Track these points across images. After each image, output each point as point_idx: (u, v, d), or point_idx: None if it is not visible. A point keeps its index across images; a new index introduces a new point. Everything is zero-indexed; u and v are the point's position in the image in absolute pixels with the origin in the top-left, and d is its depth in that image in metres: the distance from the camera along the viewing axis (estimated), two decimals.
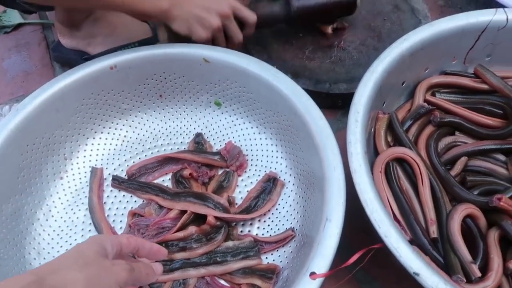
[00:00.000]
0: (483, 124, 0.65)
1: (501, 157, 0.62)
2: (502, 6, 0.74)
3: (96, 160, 0.70)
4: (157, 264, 0.45)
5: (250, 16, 0.70)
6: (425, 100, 0.67)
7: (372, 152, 0.64)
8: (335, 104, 0.75)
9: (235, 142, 0.71)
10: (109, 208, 0.65)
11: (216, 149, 0.71)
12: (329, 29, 0.79)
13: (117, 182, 0.67)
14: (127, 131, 0.73)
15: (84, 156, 0.70)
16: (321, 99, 0.73)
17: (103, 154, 0.71)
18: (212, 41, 0.69)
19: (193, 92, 0.73)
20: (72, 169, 0.68)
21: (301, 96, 0.61)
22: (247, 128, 0.72)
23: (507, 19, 0.64)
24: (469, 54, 0.69)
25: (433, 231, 0.55)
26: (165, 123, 0.74)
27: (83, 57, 0.78)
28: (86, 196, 0.66)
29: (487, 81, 0.67)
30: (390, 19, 0.82)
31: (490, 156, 0.63)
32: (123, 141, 0.72)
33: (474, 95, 0.68)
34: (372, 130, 0.64)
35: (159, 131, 0.74)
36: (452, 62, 0.70)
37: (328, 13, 0.78)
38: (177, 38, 0.70)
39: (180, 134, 0.73)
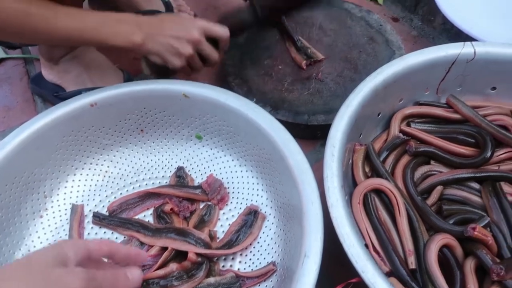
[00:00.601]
0: (457, 153, 0.67)
1: (475, 185, 0.64)
2: (471, 38, 0.77)
3: (77, 196, 0.70)
4: (134, 271, 0.42)
5: (223, 32, 0.71)
6: (401, 131, 0.69)
7: (351, 183, 0.65)
8: (314, 135, 0.76)
9: (216, 175, 0.71)
10: None
11: (198, 183, 0.71)
12: (303, 64, 0.82)
13: (98, 219, 0.66)
14: (108, 166, 0.73)
15: (65, 193, 0.69)
16: (300, 131, 0.76)
17: (84, 191, 0.70)
18: (189, 66, 0.71)
19: (174, 126, 0.74)
20: (52, 207, 0.68)
21: (279, 131, 0.62)
22: (228, 161, 0.72)
23: (474, 52, 0.66)
24: (441, 85, 0.71)
25: (411, 262, 0.55)
26: (147, 157, 0.75)
27: (54, 94, 0.79)
28: (66, 234, 0.65)
29: (459, 111, 0.69)
30: (365, 50, 0.85)
31: (465, 185, 0.64)
32: (104, 176, 0.72)
33: (447, 124, 0.70)
34: (350, 161, 0.65)
35: (140, 165, 0.74)
36: (425, 92, 0.72)
37: (294, 1, 0.80)
38: (156, 67, 0.71)
39: (162, 168, 0.74)
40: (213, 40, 0.71)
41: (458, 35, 0.81)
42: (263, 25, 0.81)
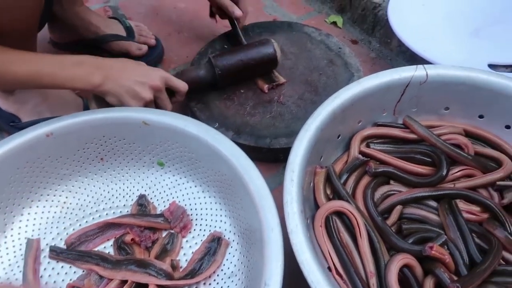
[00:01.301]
0: (415, 173, 0.68)
1: (433, 203, 0.65)
2: (425, 60, 0.80)
3: (33, 230, 0.67)
4: None
5: (182, 86, 0.75)
6: (360, 152, 0.71)
7: (313, 206, 0.65)
8: (276, 158, 0.77)
9: (179, 201, 0.70)
10: (46, 282, 0.62)
11: (160, 210, 0.70)
12: (265, 88, 0.83)
13: (55, 253, 0.64)
14: (67, 197, 0.71)
15: (19, 228, 0.66)
16: (262, 154, 0.76)
17: (40, 224, 0.68)
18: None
19: (135, 153, 0.72)
20: (5, 242, 0.65)
21: (240, 156, 0.62)
22: (190, 187, 0.72)
23: (427, 74, 0.69)
24: (397, 107, 0.73)
25: (373, 283, 0.56)
26: (107, 186, 0.73)
27: (11, 123, 0.77)
28: (20, 271, 0.62)
29: (415, 131, 0.71)
30: (325, 73, 0.87)
31: (423, 203, 0.66)
32: (62, 208, 0.70)
33: (405, 144, 0.72)
34: (312, 184, 0.66)
35: (101, 194, 0.72)
36: (383, 114, 0.74)
37: (252, 70, 0.82)
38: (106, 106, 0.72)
39: (123, 196, 0.72)
40: (170, 91, 0.75)
41: (413, 57, 0.84)
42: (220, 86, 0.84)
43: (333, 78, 0.86)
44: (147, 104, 0.70)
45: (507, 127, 0.70)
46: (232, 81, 0.83)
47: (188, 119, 0.67)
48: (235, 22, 0.90)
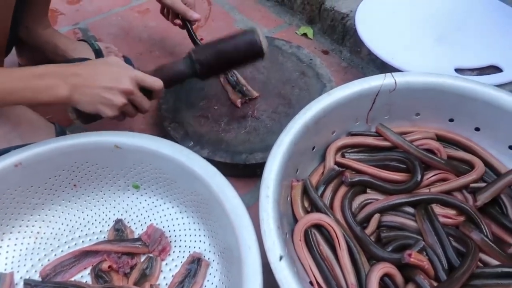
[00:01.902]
0: (390, 180, 0.69)
1: (410, 210, 0.66)
2: (394, 68, 0.81)
3: (6, 264, 0.65)
4: None
5: (155, 84, 0.70)
6: (336, 162, 0.71)
7: (292, 220, 0.65)
8: (253, 173, 0.76)
9: (157, 224, 0.69)
10: None
11: (138, 234, 0.69)
12: (238, 103, 0.83)
13: (30, 286, 0.62)
14: (40, 227, 0.69)
15: None
16: (239, 170, 0.76)
17: (13, 257, 0.66)
18: (122, 113, 0.68)
19: (109, 178, 0.71)
20: None
21: (214, 175, 0.61)
22: (168, 208, 0.71)
23: (395, 82, 0.70)
24: (369, 115, 0.74)
25: None
26: (82, 212, 0.71)
27: None
28: None
29: (388, 138, 0.72)
30: (298, 85, 0.87)
31: (401, 210, 0.66)
32: (36, 238, 0.68)
33: (379, 152, 0.73)
34: (289, 198, 0.66)
35: (76, 222, 0.70)
36: (356, 123, 0.75)
37: (234, 61, 0.76)
38: (85, 114, 0.68)
39: (99, 222, 0.71)
40: (146, 89, 0.70)
41: (383, 64, 0.86)
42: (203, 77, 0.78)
43: (305, 90, 0.86)
44: (122, 109, 0.66)
45: (477, 129, 0.71)
46: (214, 74, 0.79)
47: (161, 140, 0.67)
48: (190, 26, 0.89)
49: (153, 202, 0.72)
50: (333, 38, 1.04)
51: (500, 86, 0.78)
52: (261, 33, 0.72)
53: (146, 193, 0.72)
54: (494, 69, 0.81)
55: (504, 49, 0.84)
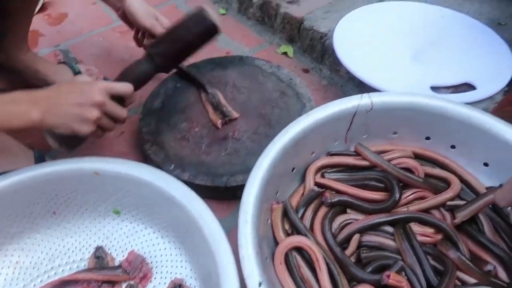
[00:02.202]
0: (369, 199, 0.70)
1: (390, 229, 0.67)
2: (371, 87, 0.83)
3: None
4: None
5: (126, 90, 0.70)
6: (315, 183, 0.71)
7: (273, 243, 0.65)
8: (235, 195, 0.76)
9: (138, 250, 0.69)
10: None
11: (119, 261, 0.68)
12: (219, 124, 0.83)
13: None
14: (19, 256, 0.68)
15: None
16: (220, 193, 0.76)
17: None
18: (100, 128, 0.68)
19: (89, 204, 0.71)
20: None
21: (193, 201, 0.61)
22: (149, 234, 0.70)
23: (371, 102, 0.71)
24: (348, 135, 0.75)
25: None
26: (62, 240, 0.70)
27: None
28: None
29: (366, 158, 0.73)
30: (278, 105, 0.88)
31: (380, 230, 0.67)
32: (15, 268, 0.67)
33: (358, 171, 0.74)
34: (269, 221, 0.66)
35: (56, 250, 0.70)
36: (335, 143, 0.75)
37: (191, 43, 0.76)
38: (65, 138, 0.69)
39: (80, 250, 0.70)
40: (118, 97, 0.70)
41: (361, 83, 0.87)
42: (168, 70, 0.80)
43: (285, 110, 0.87)
44: (98, 122, 0.66)
45: (452, 146, 0.73)
46: (177, 62, 0.80)
47: (141, 166, 0.67)
48: None
49: (134, 228, 0.71)
50: (313, 56, 1.06)
51: (474, 103, 0.80)
52: (209, 9, 0.72)
53: (127, 219, 0.72)
54: (468, 86, 0.83)
55: (477, 67, 0.86)
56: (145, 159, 0.83)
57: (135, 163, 0.67)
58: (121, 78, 0.74)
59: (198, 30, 0.73)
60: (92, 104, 0.65)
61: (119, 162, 0.67)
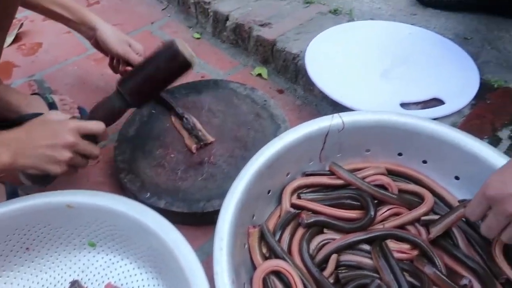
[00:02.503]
0: (346, 218, 0.70)
1: (367, 247, 0.67)
2: (344, 106, 0.84)
3: None
4: None
5: (97, 128, 0.70)
6: (292, 204, 0.72)
7: (251, 268, 0.65)
8: (212, 221, 0.75)
9: (115, 282, 0.68)
10: None
11: None
12: (193, 148, 0.84)
13: None
14: None
15: None
16: (197, 219, 0.76)
17: None
18: (73, 166, 0.68)
19: (63, 238, 0.69)
20: None
21: (169, 230, 0.61)
22: (125, 265, 0.69)
23: (343, 122, 0.72)
24: (322, 154, 0.76)
25: None
26: (36, 276, 0.69)
27: None
28: None
29: (341, 176, 0.73)
30: (253, 127, 0.89)
31: (357, 248, 0.67)
32: None
33: (333, 190, 0.74)
34: (246, 246, 0.66)
35: (30, 287, 0.68)
36: (310, 163, 0.76)
37: (162, 80, 0.74)
38: (36, 175, 0.68)
39: (55, 285, 0.68)
40: (90, 135, 0.69)
41: (335, 102, 0.88)
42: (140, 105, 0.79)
43: (261, 132, 0.88)
44: (70, 162, 0.66)
45: (424, 161, 0.74)
46: (148, 98, 0.77)
47: (114, 197, 0.66)
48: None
49: (110, 259, 0.70)
50: (287, 77, 1.07)
51: (444, 117, 0.82)
52: (180, 43, 0.70)
53: (102, 251, 0.70)
54: (437, 101, 0.85)
55: (445, 82, 0.88)
56: (121, 188, 0.83)
57: (109, 194, 0.66)
58: (92, 115, 0.73)
59: (170, 66, 0.72)
60: (64, 145, 0.65)
61: (92, 194, 0.66)
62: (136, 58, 0.90)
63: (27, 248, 0.68)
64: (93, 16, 0.91)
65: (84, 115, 0.97)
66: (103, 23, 0.91)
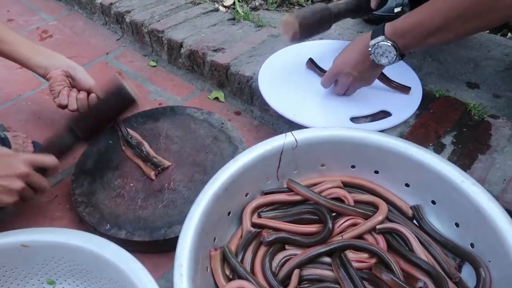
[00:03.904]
0: (305, 233, 0.72)
1: (328, 259, 0.68)
2: (298, 124, 0.87)
3: None
4: None
5: (50, 162, 0.74)
6: (252, 224, 0.73)
7: None
8: (175, 247, 0.76)
9: None
10: None
11: None
12: (152, 175, 0.84)
13: None
14: None
15: None
16: (160, 246, 0.75)
17: None
18: (21, 198, 0.70)
19: (19, 278, 0.67)
20: None
21: (128, 261, 0.60)
22: None
23: (295, 140, 0.75)
24: (278, 172, 0.77)
25: None
26: None
27: None
28: None
29: (298, 192, 0.75)
30: (212, 150, 0.90)
31: (319, 261, 0.69)
32: None
33: (292, 207, 0.76)
34: (209, 269, 0.66)
35: None
36: (268, 182, 0.78)
37: (111, 116, 0.82)
38: None
39: None
40: (42, 169, 0.73)
41: (290, 120, 0.91)
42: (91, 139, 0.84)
43: (219, 155, 0.89)
44: (21, 193, 0.68)
45: (376, 172, 0.77)
46: (98, 133, 0.83)
47: (69, 231, 0.65)
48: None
49: None
50: (243, 99, 1.10)
51: (391, 128, 0.86)
52: (127, 84, 0.79)
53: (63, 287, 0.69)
54: (385, 114, 0.89)
55: (391, 95, 0.93)
56: (81, 221, 0.81)
57: (64, 229, 0.65)
58: (45, 150, 0.76)
59: (118, 105, 0.81)
60: (17, 175, 0.67)
61: (47, 231, 0.65)
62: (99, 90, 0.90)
63: None
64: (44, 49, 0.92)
65: (37, 149, 0.95)
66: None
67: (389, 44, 0.78)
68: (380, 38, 0.79)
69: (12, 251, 0.64)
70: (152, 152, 0.89)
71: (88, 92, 0.91)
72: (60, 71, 0.89)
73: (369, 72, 0.86)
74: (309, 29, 0.93)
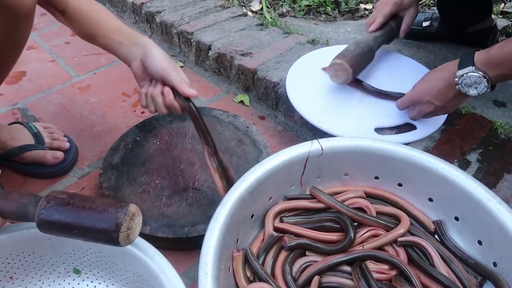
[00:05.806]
0: (327, 241, 0.73)
1: (347, 268, 0.69)
2: (323, 131, 0.88)
3: None
4: None
5: None
6: (274, 228, 0.74)
7: None
8: (197, 245, 0.77)
9: None
10: None
11: None
12: (222, 192, 0.74)
13: None
14: None
15: None
16: (182, 244, 0.77)
17: None
18: None
19: (47, 266, 0.69)
20: None
21: (154, 256, 0.62)
22: None
23: (321, 148, 0.76)
24: (302, 179, 0.79)
25: None
26: None
27: None
28: None
29: (321, 200, 0.76)
30: (236, 153, 0.92)
31: (338, 270, 0.69)
32: None
33: (315, 214, 0.77)
34: (231, 270, 0.67)
35: None
36: (291, 187, 0.79)
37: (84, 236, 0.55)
38: None
39: None
40: None
41: (314, 127, 0.92)
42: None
43: (243, 157, 0.91)
44: None
45: (399, 184, 0.78)
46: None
47: None
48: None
49: (95, 286, 0.70)
50: (268, 104, 1.11)
51: (416, 142, 0.86)
52: (134, 210, 0.57)
53: (87, 278, 0.71)
54: (410, 126, 0.89)
55: None
56: None
57: None
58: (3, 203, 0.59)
59: (104, 238, 0.54)
60: None
61: None
62: (178, 80, 0.77)
63: (10, 277, 0.68)
64: (145, 37, 0.83)
65: (72, 146, 0.97)
66: (154, 44, 0.82)
67: (480, 75, 0.74)
68: (469, 69, 0.75)
69: (43, 238, 0.66)
70: (232, 174, 0.78)
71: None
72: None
73: (452, 102, 0.81)
74: (359, 71, 0.95)
